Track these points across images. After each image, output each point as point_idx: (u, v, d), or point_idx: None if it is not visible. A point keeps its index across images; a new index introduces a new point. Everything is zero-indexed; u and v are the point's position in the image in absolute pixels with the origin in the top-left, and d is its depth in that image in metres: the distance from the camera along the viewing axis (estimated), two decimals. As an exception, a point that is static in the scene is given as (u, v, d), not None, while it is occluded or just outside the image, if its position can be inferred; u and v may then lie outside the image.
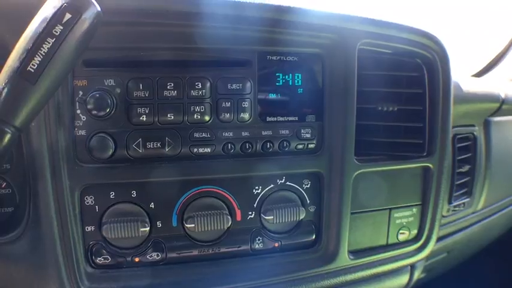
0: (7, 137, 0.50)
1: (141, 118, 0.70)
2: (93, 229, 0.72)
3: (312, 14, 0.76)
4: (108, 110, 0.68)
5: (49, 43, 0.49)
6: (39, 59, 0.49)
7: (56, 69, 0.50)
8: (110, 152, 0.69)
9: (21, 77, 0.49)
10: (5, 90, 0.48)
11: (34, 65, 0.49)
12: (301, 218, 0.81)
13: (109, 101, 0.68)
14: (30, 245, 0.71)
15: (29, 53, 0.48)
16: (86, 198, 0.72)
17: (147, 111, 0.70)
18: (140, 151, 0.71)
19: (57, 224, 0.69)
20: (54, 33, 0.49)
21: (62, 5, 0.49)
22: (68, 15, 0.49)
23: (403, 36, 0.84)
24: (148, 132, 0.71)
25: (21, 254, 0.71)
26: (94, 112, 0.68)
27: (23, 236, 0.70)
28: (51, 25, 0.49)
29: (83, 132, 0.69)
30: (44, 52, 0.49)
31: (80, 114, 0.69)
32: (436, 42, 0.87)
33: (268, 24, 0.74)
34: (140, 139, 0.71)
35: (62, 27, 0.49)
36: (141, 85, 0.70)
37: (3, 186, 0.76)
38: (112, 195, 0.72)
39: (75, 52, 0.51)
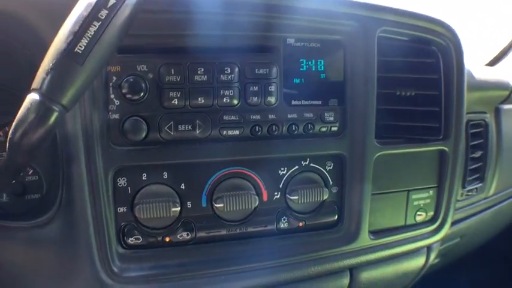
0: (54, 115, 0.52)
1: (172, 102, 0.73)
2: (125, 210, 0.75)
3: (334, 2, 0.80)
4: (141, 94, 0.72)
5: (95, 26, 0.51)
6: (86, 41, 0.51)
7: (102, 51, 0.53)
8: (143, 135, 0.72)
9: (69, 58, 0.51)
10: (53, 70, 0.51)
11: (81, 47, 0.51)
12: (324, 198, 0.85)
13: (142, 85, 0.72)
14: (62, 227, 0.73)
15: (76, 35, 0.51)
16: (119, 180, 0.75)
17: (178, 95, 0.73)
18: (172, 133, 0.74)
19: (90, 206, 0.72)
20: (100, 17, 0.51)
21: None
22: (112, 0, 0.52)
23: (420, 25, 0.89)
24: (180, 116, 0.74)
25: (52, 237, 0.74)
26: (128, 96, 0.71)
27: (54, 219, 0.73)
28: (96, 9, 0.51)
29: (116, 116, 0.72)
30: (90, 35, 0.51)
31: (114, 99, 0.72)
32: (450, 31, 0.91)
33: (293, 11, 0.77)
34: (172, 122, 0.74)
35: (107, 12, 0.52)
36: (172, 70, 0.73)
37: (30, 173, 0.79)
38: (144, 176, 0.75)
39: (118, 35, 0.54)
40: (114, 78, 0.72)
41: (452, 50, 0.92)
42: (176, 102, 0.74)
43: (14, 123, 0.52)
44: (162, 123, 0.74)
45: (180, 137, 0.75)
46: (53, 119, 0.52)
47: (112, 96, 0.72)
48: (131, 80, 0.71)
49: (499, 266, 1.84)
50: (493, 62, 1.84)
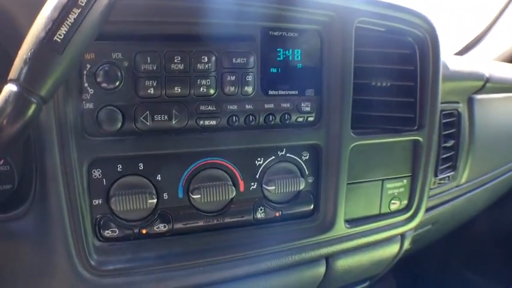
0: (33, 107, 0.51)
1: (148, 91, 0.73)
2: (100, 202, 0.76)
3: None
4: (117, 83, 0.71)
5: (75, 13, 0.50)
6: (66, 29, 0.49)
7: (81, 40, 0.51)
8: (119, 125, 0.72)
9: (48, 47, 0.50)
10: (31, 60, 0.49)
11: (61, 35, 0.49)
12: (300, 188, 0.87)
13: (118, 73, 0.71)
14: (38, 220, 0.73)
15: (55, 22, 0.49)
16: (94, 171, 0.75)
17: (154, 85, 0.73)
18: (148, 124, 0.74)
19: (65, 198, 0.71)
20: (80, 3, 0.50)
21: None
22: None
23: (397, 16, 0.91)
24: (156, 105, 0.75)
25: (27, 231, 0.73)
26: (103, 85, 0.71)
27: (29, 211, 0.73)
28: None
29: (90, 106, 0.72)
30: (70, 22, 0.49)
31: (88, 88, 0.71)
32: (427, 22, 0.94)
33: (271, 0, 0.78)
34: (148, 112, 0.74)
35: None
36: (148, 58, 0.73)
37: (1, 163, 0.78)
38: (119, 168, 0.76)
39: (98, 23, 0.53)
40: (89, 66, 0.71)
41: (429, 42, 0.95)
42: (152, 92, 0.74)
43: None
44: (138, 113, 0.74)
45: (156, 127, 0.75)
46: (31, 111, 0.50)
47: (86, 84, 0.71)
48: (106, 68, 0.71)
49: (467, 252, 1.94)
50: (462, 51, 1.90)
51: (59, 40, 0.50)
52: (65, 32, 0.50)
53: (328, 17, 0.84)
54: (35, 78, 0.50)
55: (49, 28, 0.50)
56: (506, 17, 1.83)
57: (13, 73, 0.50)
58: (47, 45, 0.50)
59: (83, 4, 0.50)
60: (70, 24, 0.50)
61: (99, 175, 0.75)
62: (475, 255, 1.94)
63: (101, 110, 0.72)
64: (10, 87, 0.50)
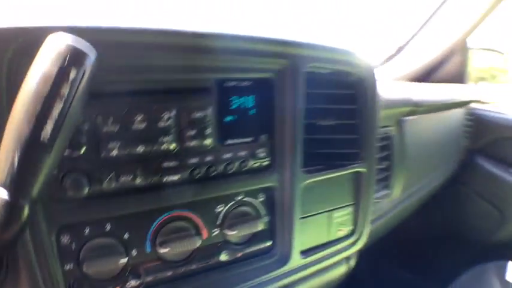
0: (26, 211, 0.51)
1: (112, 153, 0.74)
2: (72, 267, 0.76)
3: (265, 41, 0.87)
4: (79, 147, 0.72)
5: (59, 107, 0.48)
6: (51, 126, 0.48)
7: (67, 131, 0.51)
8: (85, 190, 0.73)
9: (36, 148, 0.49)
10: (19, 164, 0.49)
11: (47, 134, 0.48)
12: (259, 228, 0.93)
13: (80, 138, 0.72)
14: None
15: (39, 119, 0.48)
16: (62, 237, 0.75)
17: (117, 145, 0.75)
18: (113, 185, 0.76)
19: (38, 267, 0.71)
20: (62, 94, 0.48)
21: (65, 62, 0.48)
22: (73, 72, 0.48)
23: (341, 58, 0.99)
24: (120, 166, 0.76)
25: None
26: (67, 153, 0.71)
27: (4, 283, 0.71)
28: (57, 85, 0.48)
29: (55, 173, 0.70)
30: (55, 117, 0.48)
31: None
32: (366, 64, 1.03)
33: (224, 52, 0.82)
34: (113, 173, 0.75)
35: (69, 87, 0.48)
36: (109, 120, 0.74)
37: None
38: (87, 231, 0.76)
39: (81, 109, 0.52)
40: None
41: (368, 82, 1.04)
42: (116, 153, 0.75)
43: None
44: (103, 175, 0.75)
45: (121, 187, 0.77)
46: (25, 215, 0.51)
47: None
48: None
49: (401, 253, 2.16)
50: (386, 61, 2.06)
51: (46, 141, 0.49)
52: (51, 130, 0.49)
53: (280, 65, 0.90)
54: (25, 183, 0.50)
55: (33, 126, 0.48)
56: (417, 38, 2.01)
57: (1, 177, 0.49)
58: (34, 147, 0.49)
59: (66, 95, 0.48)
60: (55, 119, 0.49)
61: (68, 240, 0.75)
62: (408, 256, 2.15)
63: (65, 176, 0.72)
64: (1, 194, 0.49)
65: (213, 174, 0.86)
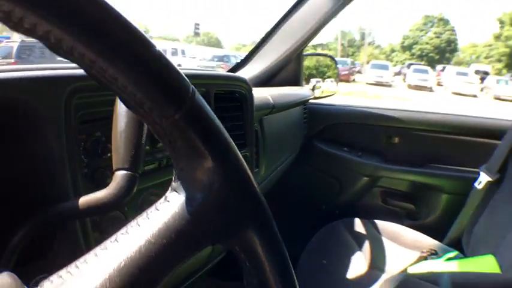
0: (137, 180, 0.69)
1: None
2: None
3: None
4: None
5: None
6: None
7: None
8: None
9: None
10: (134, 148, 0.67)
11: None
12: None
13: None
14: None
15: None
16: None
17: None
18: None
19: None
20: None
21: None
22: None
23: (235, 83, 1.48)
24: None
25: None
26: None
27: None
28: None
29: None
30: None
31: None
32: (246, 83, 1.54)
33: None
34: None
35: None
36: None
37: None
38: None
39: None
40: None
41: (248, 95, 1.53)
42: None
43: None
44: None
45: None
46: (136, 183, 0.69)
47: None
48: None
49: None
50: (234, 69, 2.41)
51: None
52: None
53: (201, 91, 1.35)
54: (138, 162, 0.69)
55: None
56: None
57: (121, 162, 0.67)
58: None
59: None
60: None
61: None
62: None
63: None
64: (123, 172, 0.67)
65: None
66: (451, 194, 2.40)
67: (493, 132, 2.28)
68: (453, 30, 70.98)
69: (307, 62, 2.81)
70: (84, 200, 0.69)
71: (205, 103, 0.44)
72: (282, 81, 2.42)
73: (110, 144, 0.80)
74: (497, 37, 60.06)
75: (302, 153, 2.54)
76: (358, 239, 2.01)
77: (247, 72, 2.29)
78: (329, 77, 2.96)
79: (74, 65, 0.36)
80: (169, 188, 0.46)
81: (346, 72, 31.21)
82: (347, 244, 1.99)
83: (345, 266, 1.86)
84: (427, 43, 65.42)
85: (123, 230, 0.43)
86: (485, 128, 2.40)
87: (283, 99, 2.01)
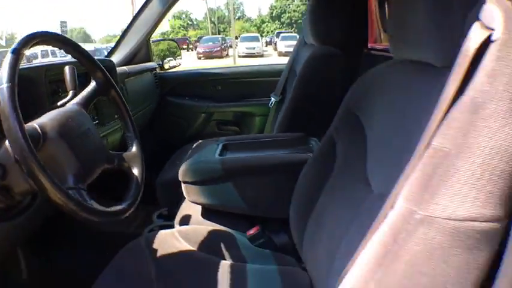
0: None
1: None
2: None
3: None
4: None
5: None
6: None
7: None
8: None
9: None
10: None
11: None
12: None
13: None
14: None
15: None
16: None
17: None
18: None
19: None
20: None
21: None
22: None
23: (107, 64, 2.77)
24: None
25: None
26: None
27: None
28: None
29: None
30: None
31: None
32: (112, 62, 2.73)
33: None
34: None
35: None
36: None
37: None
38: None
39: None
40: None
41: (114, 69, 2.76)
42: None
43: None
44: None
45: None
46: None
47: None
48: None
49: None
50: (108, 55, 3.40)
51: None
52: None
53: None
54: None
55: None
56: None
57: None
58: None
59: None
60: None
61: None
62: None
63: None
64: None
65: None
66: (260, 116, 3.68)
67: (277, 72, 3.45)
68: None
69: (161, 46, 4.00)
70: None
71: None
72: (138, 61, 3.36)
73: None
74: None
75: (159, 106, 3.58)
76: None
77: (116, 58, 3.20)
78: (178, 55, 4.37)
79: None
80: None
81: (218, 48, 32.60)
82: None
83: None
84: (294, 11, 68.35)
85: None
86: (272, 71, 3.84)
87: (134, 69, 3.08)
